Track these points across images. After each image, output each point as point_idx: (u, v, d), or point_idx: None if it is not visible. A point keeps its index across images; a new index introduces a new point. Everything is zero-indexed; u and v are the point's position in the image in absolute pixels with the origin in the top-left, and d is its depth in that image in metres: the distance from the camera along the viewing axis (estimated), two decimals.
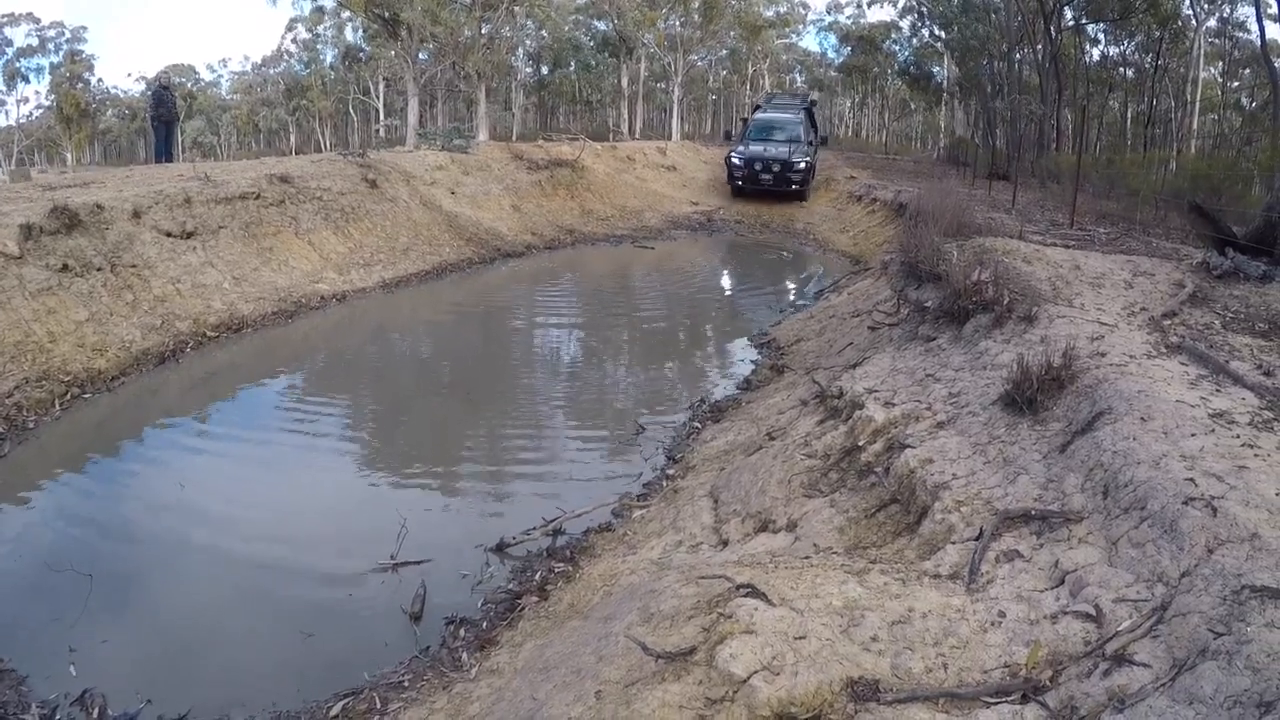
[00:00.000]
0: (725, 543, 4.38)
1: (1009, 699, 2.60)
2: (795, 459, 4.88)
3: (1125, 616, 2.80)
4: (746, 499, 4.70)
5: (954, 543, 3.53)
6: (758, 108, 30.36)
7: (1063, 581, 3.12)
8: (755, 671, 2.66)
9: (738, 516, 4.58)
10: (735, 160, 24.70)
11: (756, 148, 24.61)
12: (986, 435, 4.33)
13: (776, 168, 23.70)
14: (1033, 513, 3.53)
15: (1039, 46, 27.80)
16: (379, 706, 3.72)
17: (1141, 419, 3.83)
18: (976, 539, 3.46)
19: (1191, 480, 3.24)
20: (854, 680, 2.65)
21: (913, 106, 56.28)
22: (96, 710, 3.80)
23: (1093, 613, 2.88)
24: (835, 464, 4.65)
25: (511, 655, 3.83)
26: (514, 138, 34.78)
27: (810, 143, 25.70)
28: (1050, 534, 3.40)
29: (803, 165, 23.66)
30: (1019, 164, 21.89)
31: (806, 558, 3.62)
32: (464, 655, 4.04)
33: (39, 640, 4.35)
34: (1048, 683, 2.63)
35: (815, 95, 37.73)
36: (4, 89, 56.05)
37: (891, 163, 33.24)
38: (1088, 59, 31.26)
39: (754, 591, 3.05)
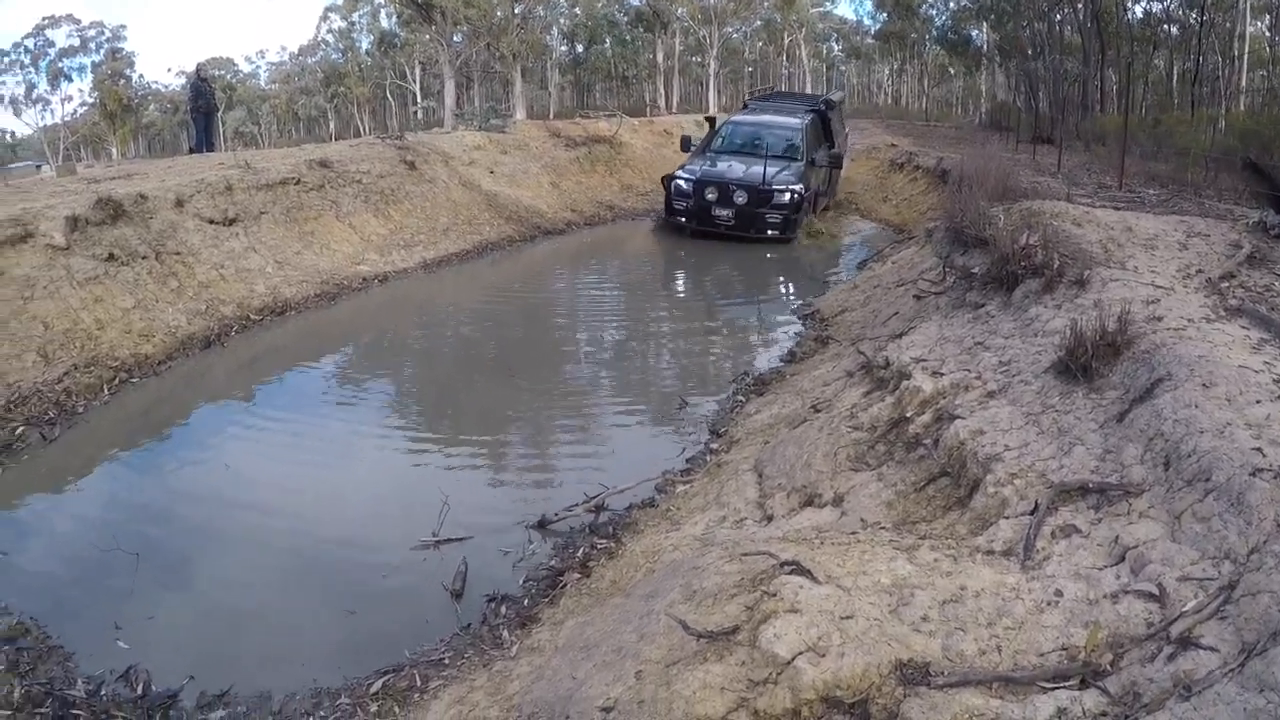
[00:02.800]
0: (770, 518, 4.29)
1: (1067, 684, 2.48)
2: (841, 431, 4.76)
3: (1190, 596, 2.66)
4: (791, 473, 4.60)
5: (1007, 517, 3.40)
6: (745, 106, 21.62)
7: (1123, 558, 2.98)
8: (800, 653, 2.57)
9: (782, 491, 4.48)
10: (680, 182, 15.89)
11: (720, 165, 16.06)
12: (1039, 404, 4.19)
13: (741, 198, 15.16)
14: (1090, 485, 3.39)
15: (1079, 5, 26.95)
16: (419, 684, 3.69)
17: (1203, 385, 3.67)
18: (1031, 513, 3.34)
19: (1259, 450, 3.09)
20: (903, 662, 2.55)
21: (952, 72, 55.28)
22: (140, 685, 3.82)
23: (1155, 592, 2.74)
24: (882, 436, 4.53)
25: (553, 633, 3.77)
26: (551, 116, 34.66)
27: (814, 161, 16.62)
28: (1109, 508, 3.26)
29: (788, 196, 15.05)
30: (1063, 127, 21.33)
31: (853, 533, 3.51)
32: (505, 633, 4.00)
33: (86, 618, 4.39)
34: (1108, 667, 2.50)
35: (840, 94, 26.82)
36: (48, 88, 57.19)
37: (932, 129, 32.59)
38: (1130, 17, 30.17)
39: (799, 569, 2.95)
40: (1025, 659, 2.61)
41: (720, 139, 17.56)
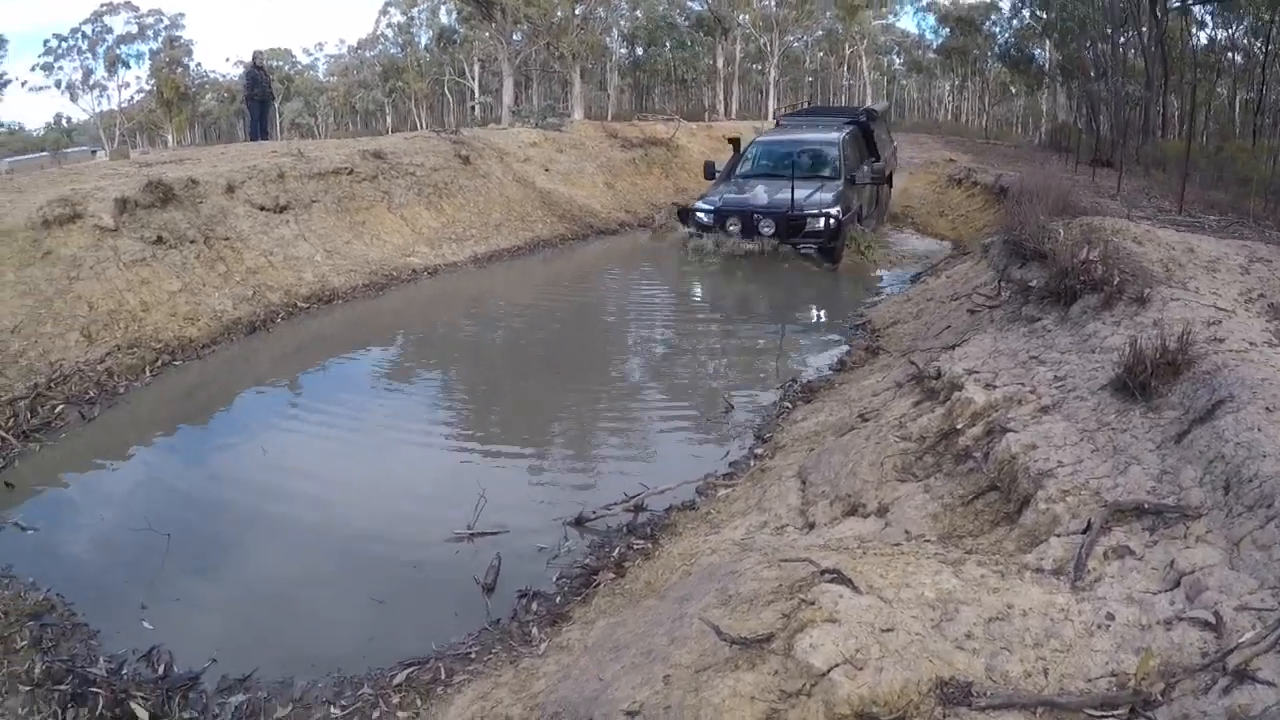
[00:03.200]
0: (811, 525, 4.17)
1: (1115, 713, 2.34)
2: (888, 441, 4.63)
3: (1248, 626, 2.51)
4: (836, 481, 4.48)
5: (1058, 535, 3.26)
6: (776, 124, 19.48)
7: (1178, 584, 2.83)
8: (836, 665, 2.45)
9: (826, 499, 4.36)
10: (701, 215, 13.72)
11: (744, 193, 13.89)
12: (1095, 421, 4.04)
13: (768, 228, 12.97)
14: (1145, 506, 3.24)
15: (1143, 29, 26.42)
16: (444, 677, 3.62)
17: (1266, 409, 3.50)
18: (1083, 532, 3.20)
19: None
20: (944, 681, 2.43)
21: (1013, 90, 54.61)
22: (162, 666, 3.79)
23: (1212, 620, 2.60)
24: (931, 447, 4.40)
25: (583, 632, 3.69)
26: (609, 118, 34.65)
27: (854, 179, 14.11)
28: (1165, 530, 3.11)
29: (823, 222, 12.64)
30: (1123, 150, 20.89)
31: (897, 544, 3.39)
32: (534, 630, 3.92)
33: (113, 597, 4.39)
34: (1159, 697, 2.35)
35: (883, 104, 25.29)
36: (105, 75, 58.50)
37: (991, 147, 32.13)
38: (1195, 43, 29.60)
39: (839, 577, 2.84)
40: (1073, 684, 2.48)
41: (747, 162, 15.12)
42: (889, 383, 6.10)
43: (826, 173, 14.01)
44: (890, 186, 17.49)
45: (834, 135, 14.94)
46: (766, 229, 12.89)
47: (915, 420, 4.78)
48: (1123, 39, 27.51)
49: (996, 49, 45.50)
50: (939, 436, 4.43)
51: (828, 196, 13.06)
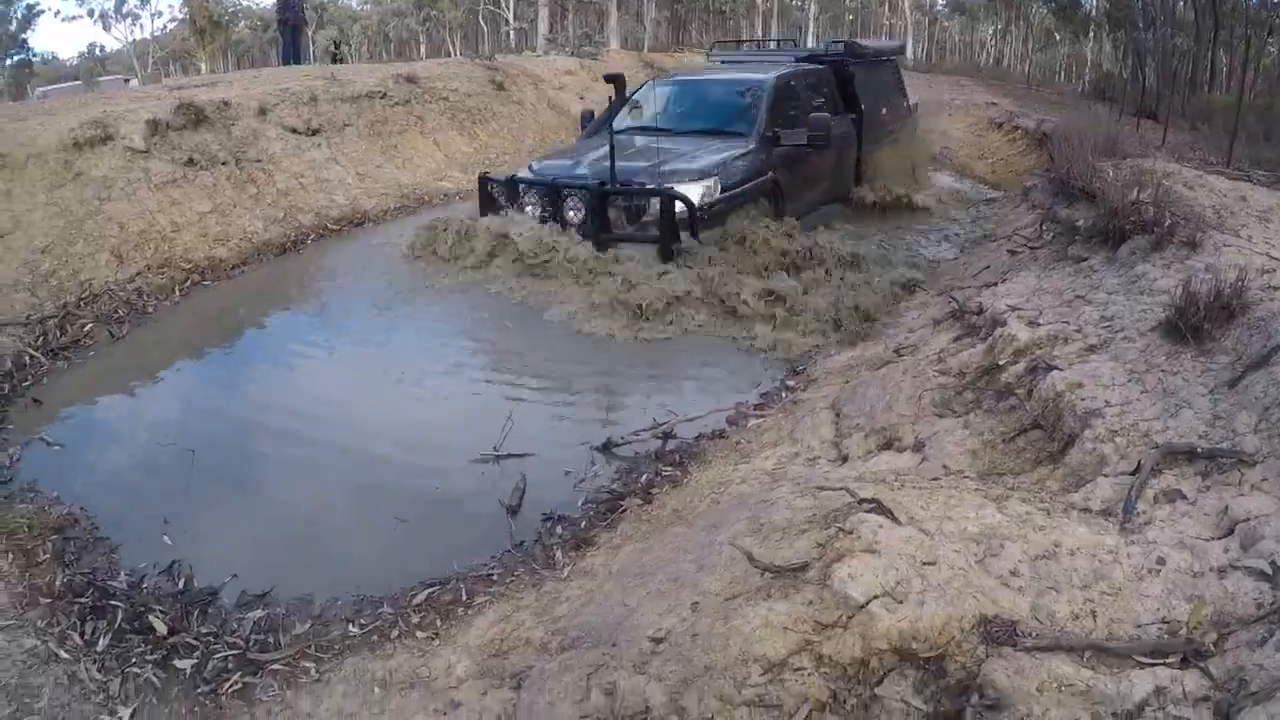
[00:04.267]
0: (845, 458, 4.06)
1: (1166, 661, 2.22)
2: (927, 375, 4.50)
3: None
4: (871, 414, 4.36)
5: (1106, 475, 3.12)
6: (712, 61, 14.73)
7: (1232, 531, 2.69)
8: (875, 597, 2.35)
9: (860, 431, 4.25)
10: (491, 188, 9.10)
11: (576, 158, 9.17)
12: (1144, 363, 3.88)
13: (576, 211, 8.17)
14: (1198, 450, 3.09)
15: None
16: (464, 598, 3.57)
17: None
18: (1132, 473, 3.05)
19: None
20: (988, 618, 2.31)
21: (1057, 37, 53.09)
22: (183, 581, 3.77)
23: (1268, 570, 2.45)
24: (971, 383, 4.26)
25: (607, 558, 3.61)
26: (645, 50, 34.02)
27: (776, 140, 9.20)
28: (1218, 476, 2.97)
29: (663, 204, 7.64)
30: (1169, 102, 20.21)
31: (935, 479, 3.28)
32: (558, 553, 3.85)
33: (135, 512, 4.37)
34: (1211, 647, 2.23)
35: (895, 43, 20.76)
36: (138, 4, 58.41)
37: (1034, 93, 31.21)
38: None
39: (879, 507, 2.72)
40: (1121, 629, 2.36)
41: (636, 111, 10.02)
42: (926, 319, 5.95)
43: (738, 128, 9.26)
44: (877, 147, 11.81)
45: (764, 78, 9.81)
46: (574, 212, 8.10)
47: (955, 355, 4.65)
48: None
49: None
50: (979, 373, 4.30)
51: (701, 165, 8.23)
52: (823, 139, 9.03)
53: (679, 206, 7.50)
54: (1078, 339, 4.28)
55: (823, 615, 2.35)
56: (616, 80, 8.99)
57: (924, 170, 13.40)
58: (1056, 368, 3.93)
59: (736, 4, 53.31)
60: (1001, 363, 4.26)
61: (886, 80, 13.20)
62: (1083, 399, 3.61)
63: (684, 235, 7.68)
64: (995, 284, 5.78)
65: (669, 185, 7.67)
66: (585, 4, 45.03)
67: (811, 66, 11.02)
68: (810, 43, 40.05)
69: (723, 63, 13.50)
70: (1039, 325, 4.54)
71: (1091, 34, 43.24)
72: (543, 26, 27.02)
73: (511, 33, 46.26)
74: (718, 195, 7.93)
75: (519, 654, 3.06)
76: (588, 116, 11.16)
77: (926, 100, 24.03)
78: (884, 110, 12.39)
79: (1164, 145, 13.48)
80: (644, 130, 9.58)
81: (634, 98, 10.05)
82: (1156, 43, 25.20)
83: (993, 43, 63.72)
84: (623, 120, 9.36)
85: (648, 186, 7.84)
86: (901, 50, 14.99)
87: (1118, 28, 32.94)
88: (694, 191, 7.70)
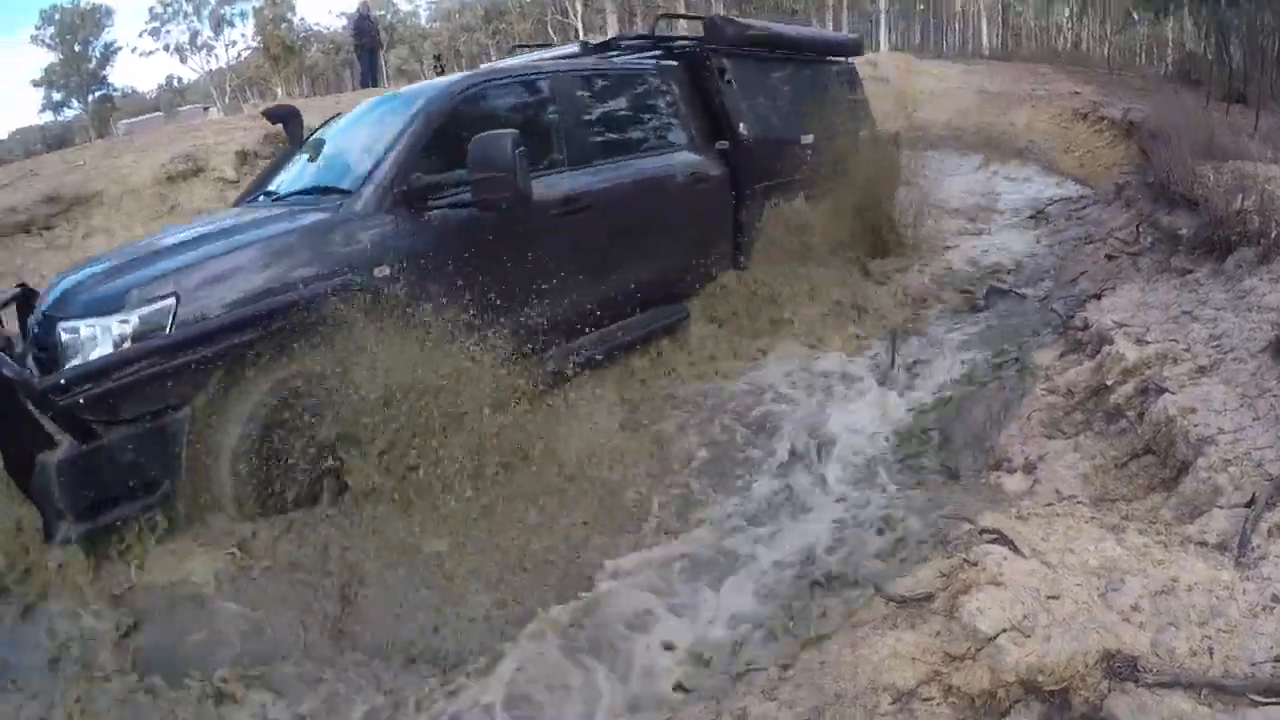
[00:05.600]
0: (955, 476, 4.13)
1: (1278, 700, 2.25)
2: (1034, 393, 4.53)
3: None
4: (979, 432, 4.41)
5: (1220, 507, 3.12)
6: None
7: None
8: (1003, 630, 2.42)
9: (969, 450, 4.30)
10: None
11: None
12: (1255, 387, 3.84)
13: None
14: None
15: None
16: None
17: None
18: (1247, 505, 3.06)
19: None
20: (1111, 654, 2.37)
21: (1136, 18, 51.35)
22: None
23: None
24: (1080, 404, 4.27)
25: None
26: None
27: (424, 209, 4.62)
28: None
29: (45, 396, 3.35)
30: (1259, 84, 19.39)
31: (1049, 505, 3.33)
32: None
33: None
34: None
35: (853, 36, 13.21)
36: (212, 35, 60.92)
37: (1115, 78, 30.30)
38: None
39: (1001, 538, 2.80)
40: (1237, 666, 2.39)
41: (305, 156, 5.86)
42: (1025, 329, 5.94)
43: (344, 184, 4.87)
44: (828, 204, 7.80)
45: (423, 89, 5.83)
46: None
47: (1062, 374, 4.65)
48: None
49: None
50: (1088, 392, 4.31)
51: (144, 273, 3.90)
52: (501, 191, 4.53)
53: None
54: (1187, 359, 4.25)
55: (951, 646, 2.43)
56: (286, 118, 7.54)
57: (908, 230, 8.62)
58: (1167, 390, 3.91)
59: (806, 3, 52.72)
60: (1110, 383, 4.25)
61: (816, 91, 8.49)
62: (1195, 425, 3.60)
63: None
64: (1099, 296, 5.73)
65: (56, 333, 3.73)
66: (652, 7, 44.96)
67: (603, 64, 6.80)
68: (883, 34, 39.27)
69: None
70: (1147, 343, 4.51)
71: (1173, 12, 41.79)
72: (611, 33, 27.15)
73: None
74: (157, 343, 3.64)
75: None
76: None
77: (1007, 93, 23.39)
78: (800, 138, 7.83)
79: (1256, 131, 13.02)
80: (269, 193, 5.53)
81: (314, 136, 6.20)
82: (1242, 19, 24.27)
83: (1069, 26, 61.87)
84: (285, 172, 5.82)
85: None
86: (857, 47, 10.13)
87: (1201, 4, 31.81)
88: (98, 338, 3.64)
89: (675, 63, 6.93)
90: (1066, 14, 60.06)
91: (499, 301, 4.69)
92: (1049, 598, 2.54)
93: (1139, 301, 5.31)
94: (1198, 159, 7.56)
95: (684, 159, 6.55)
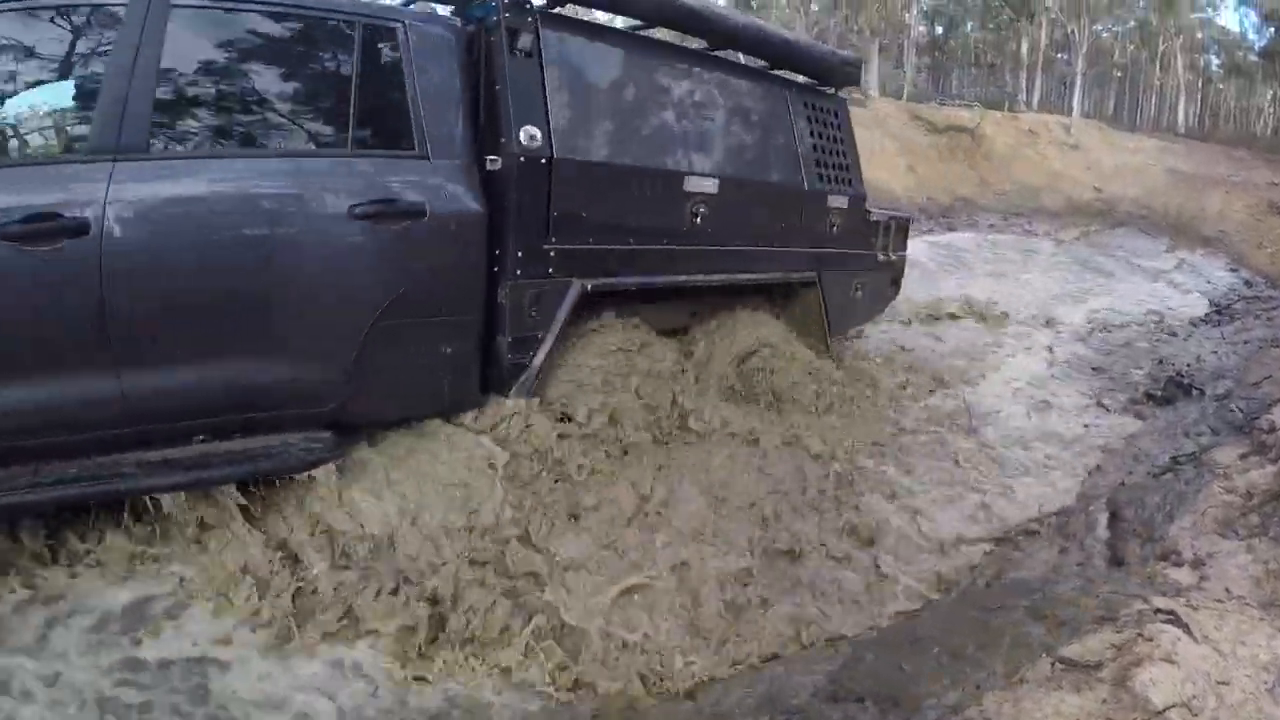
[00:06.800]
0: (1121, 562, 4.18)
1: None
2: (1212, 490, 4.53)
3: None
4: (1150, 521, 4.44)
5: None
6: None
7: None
8: (1173, 705, 2.52)
9: (1138, 537, 4.34)
10: None
11: None
12: None
13: None
14: None
15: None
16: None
17: None
18: None
19: None
20: None
21: None
22: None
23: None
24: (1258, 506, 4.26)
25: None
26: (904, 98, 33.89)
27: None
28: None
29: None
30: None
31: (1219, 600, 3.38)
32: None
33: None
34: None
35: (847, 53, 7.04)
36: None
37: None
38: None
39: (1175, 619, 2.90)
40: None
41: None
42: (1204, 427, 5.87)
43: None
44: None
45: None
46: None
47: (1242, 474, 4.62)
48: None
49: None
50: (1269, 496, 4.29)
51: None
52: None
53: None
54: None
55: (1118, 714, 2.55)
56: None
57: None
58: None
59: (1003, 57, 51.82)
60: None
61: (753, 121, 5.46)
62: None
63: None
64: None
65: None
66: (845, 46, 45.10)
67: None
68: (1076, 99, 38.22)
69: None
70: None
71: None
72: None
73: None
74: None
75: None
76: None
77: (1201, 175, 22.28)
78: (687, 184, 4.76)
79: None
80: None
81: None
82: None
83: (1271, 109, 58.87)
84: None
85: None
86: (853, 68, 6.43)
87: None
88: None
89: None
90: (1269, 96, 57.23)
91: None
92: (1219, 683, 2.63)
93: None
94: None
95: (354, 169, 3.59)
